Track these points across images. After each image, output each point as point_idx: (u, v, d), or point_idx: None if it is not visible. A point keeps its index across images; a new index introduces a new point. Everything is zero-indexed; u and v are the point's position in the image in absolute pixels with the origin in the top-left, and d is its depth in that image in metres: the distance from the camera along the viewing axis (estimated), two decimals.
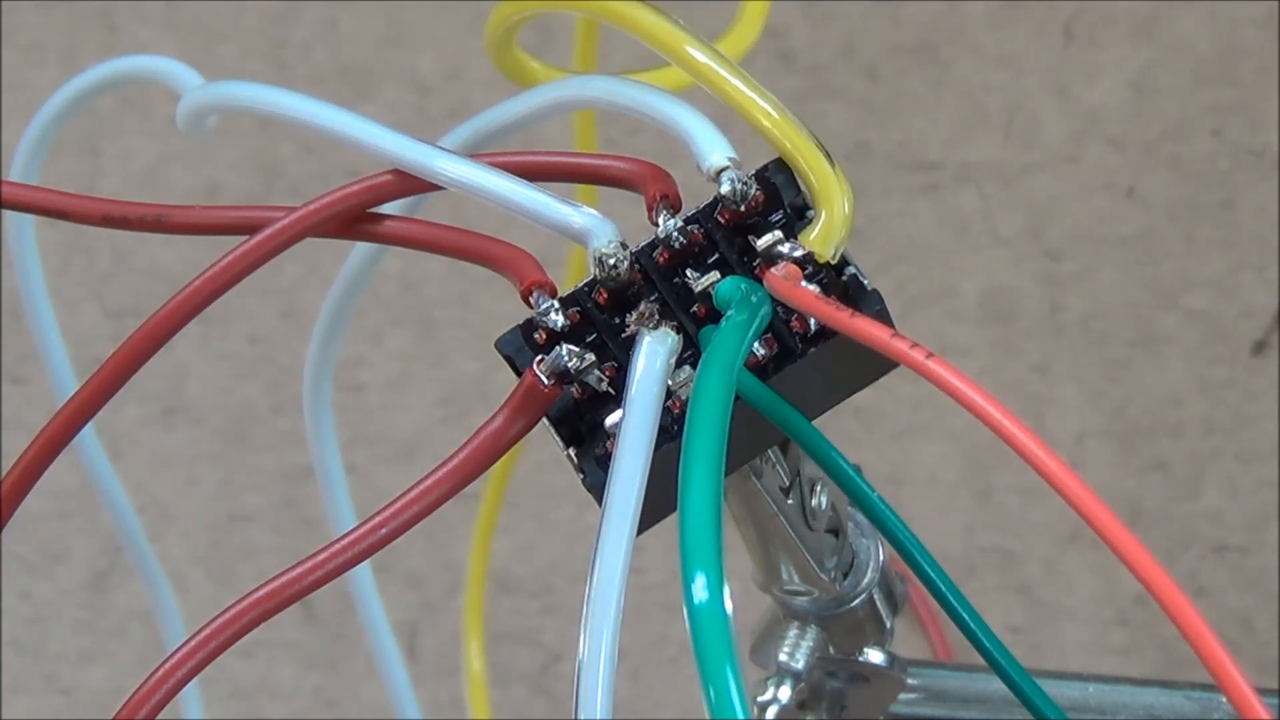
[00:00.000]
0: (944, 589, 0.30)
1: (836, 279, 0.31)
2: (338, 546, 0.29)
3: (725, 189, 0.31)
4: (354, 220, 0.33)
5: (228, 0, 0.96)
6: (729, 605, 0.25)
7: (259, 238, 0.32)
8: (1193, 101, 0.91)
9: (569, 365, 0.30)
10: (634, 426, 0.28)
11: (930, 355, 0.26)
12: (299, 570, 0.29)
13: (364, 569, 0.54)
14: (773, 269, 0.30)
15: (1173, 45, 0.93)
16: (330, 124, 0.34)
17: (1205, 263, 0.89)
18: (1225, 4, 0.93)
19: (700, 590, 0.25)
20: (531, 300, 0.30)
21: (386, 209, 0.38)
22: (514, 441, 0.29)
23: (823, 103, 0.92)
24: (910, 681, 0.45)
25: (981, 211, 0.90)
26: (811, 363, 0.31)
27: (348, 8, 0.96)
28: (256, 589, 0.29)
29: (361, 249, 0.41)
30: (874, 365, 0.32)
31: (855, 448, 0.75)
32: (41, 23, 0.96)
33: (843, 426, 0.85)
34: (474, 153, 0.34)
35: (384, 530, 0.28)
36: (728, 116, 0.32)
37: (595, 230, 0.30)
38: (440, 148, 0.33)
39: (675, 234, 0.31)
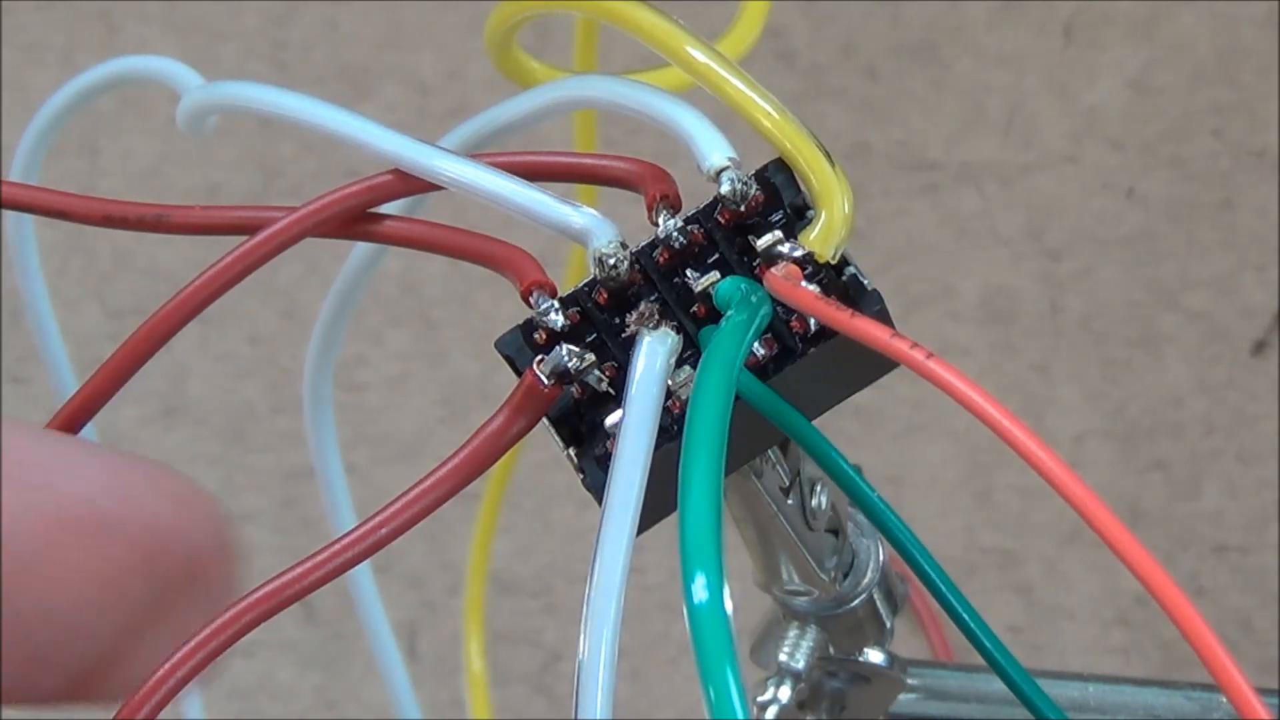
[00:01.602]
0: (944, 589, 0.30)
1: (836, 279, 0.31)
2: (338, 546, 0.29)
3: (725, 189, 0.30)
4: (354, 220, 0.33)
5: (228, 0, 0.96)
6: (729, 605, 0.25)
7: (259, 238, 0.32)
8: (1193, 101, 0.91)
9: (569, 365, 0.30)
10: (634, 426, 0.27)
11: (930, 355, 0.26)
12: (299, 570, 0.29)
13: (364, 569, 0.54)
14: (773, 269, 0.30)
15: (1173, 45, 0.93)
16: (330, 124, 0.33)
17: (1205, 263, 0.89)
18: (1225, 4, 0.93)
19: (700, 590, 0.24)
20: (531, 300, 0.30)
21: (387, 209, 0.38)
22: (514, 441, 0.29)
23: (823, 103, 0.92)
24: (910, 681, 0.45)
25: (981, 211, 0.90)
26: (811, 363, 0.30)
27: (348, 8, 0.96)
28: (256, 589, 0.29)
29: (362, 249, 0.41)
30: (874, 365, 0.32)
31: (855, 448, 0.75)
32: (41, 22, 0.96)
33: (843, 426, 0.85)
34: (474, 152, 0.33)
35: (384, 530, 0.28)
36: (726, 116, 0.32)
37: (595, 230, 0.30)
38: (440, 148, 0.32)
39: (675, 234, 0.31)
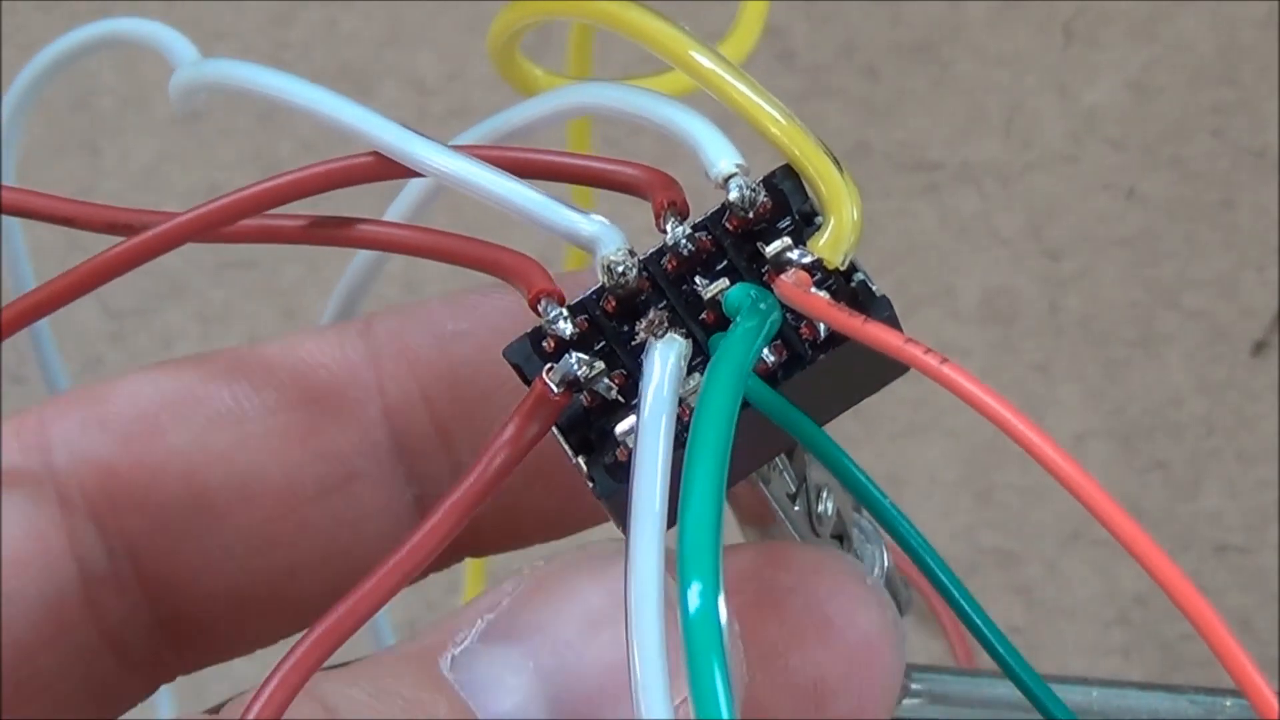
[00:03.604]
0: (956, 594, 0.30)
1: (845, 285, 0.31)
2: (382, 574, 0.29)
3: (734, 196, 0.30)
4: (357, 228, 0.33)
5: (228, 0, 0.96)
6: (724, 614, 0.25)
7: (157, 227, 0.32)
8: (1193, 101, 0.91)
9: (578, 373, 0.29)
10: (650, 434, 0.27)
11: (945, 361, 0.26)
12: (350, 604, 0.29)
13: None
14: (782, 275, 0.30)
15: (1173, 45, 0.93)
16: (329, 111, 0.33)
17: (1205, 263, 0.89)
18: (1225, 4, 0.93)
19: (694, 598, 0.25)
20: (539, 309, 0.30)
21: (390, 214, 0.37)
22: (527, 451, 0.29)
23: (823, 103, 0.92)
24: (913, 686, 0.45)
25: (981, 211, 0.90)
26: (821, 369, 0.30)
27: (348, 8, 0.95)
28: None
29: (364, 256, 0.40)
30: (883, 370, 0.32)
31: (855, 448, 0.75)
32: (41, 23, 0.96)
33: (843, 427, 0.84)
34: (479, 144, 0.33)
35: (420, 554, 0.28)
36: (725, 119, 0.32)
37: (604, 238, 0.30)
38: (446, 145, 0.32)
39: (684, 241, 0.31)
